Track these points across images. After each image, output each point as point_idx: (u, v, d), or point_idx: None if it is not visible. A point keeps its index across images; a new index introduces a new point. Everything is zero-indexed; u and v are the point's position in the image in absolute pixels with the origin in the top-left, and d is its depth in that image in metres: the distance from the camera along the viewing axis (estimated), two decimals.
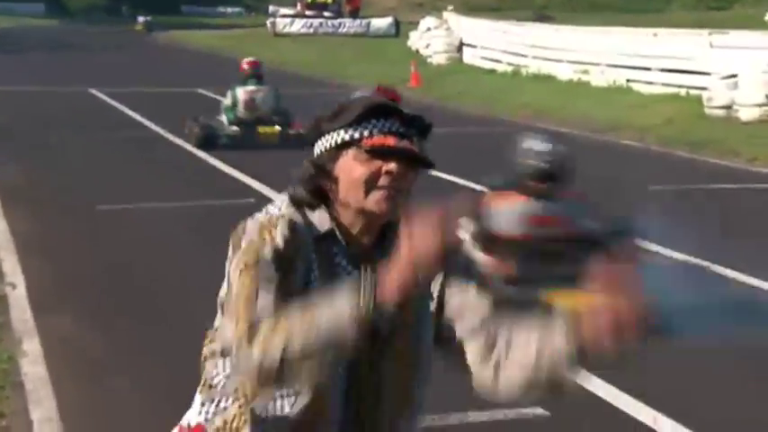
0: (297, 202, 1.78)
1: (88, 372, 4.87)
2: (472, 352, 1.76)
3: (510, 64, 20.68)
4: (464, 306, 1.80)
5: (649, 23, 23.94)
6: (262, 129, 11.56)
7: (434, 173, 4.93)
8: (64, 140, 12.06)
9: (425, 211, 1.58)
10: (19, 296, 5.94)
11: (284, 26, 36.49)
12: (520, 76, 19.65)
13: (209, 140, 11.35)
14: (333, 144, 1.78)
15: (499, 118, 15.38)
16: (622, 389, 4.41)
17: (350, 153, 1.75)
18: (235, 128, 11.58)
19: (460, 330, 1.77)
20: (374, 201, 1.73)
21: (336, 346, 1.61)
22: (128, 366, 4.92)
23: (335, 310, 1.60)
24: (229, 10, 59.73)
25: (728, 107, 13.84)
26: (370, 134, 1.76)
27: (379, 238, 1.79)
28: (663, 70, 16.29)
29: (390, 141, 1.75)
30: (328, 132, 1.79)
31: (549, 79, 18.69)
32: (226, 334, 1.73)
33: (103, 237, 7.71)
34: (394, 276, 1.57)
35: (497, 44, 21.88)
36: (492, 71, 20.91)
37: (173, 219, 8.32)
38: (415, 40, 25.40)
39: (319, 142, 1.80)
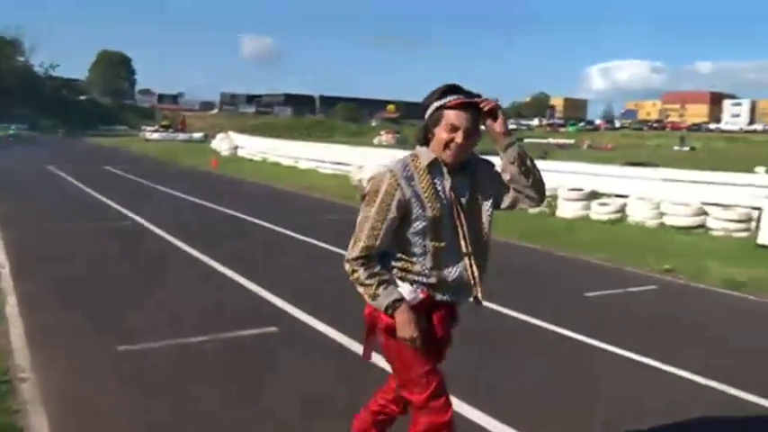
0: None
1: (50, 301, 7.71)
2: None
3: (261, 157, 38.45)
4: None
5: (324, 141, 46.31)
6: None
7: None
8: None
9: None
10: (5, 274, 9.10)
11: (149, 135, 70.01)
12: (266, 162, 36.50)
13: None
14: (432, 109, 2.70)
15: (248, 180, 27.15)
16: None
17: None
18: None
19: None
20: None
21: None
22: (65, 300, 7.76)
23: (378, 301, 2.69)
24: (122, 128, 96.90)
25: (360, 181, 23.07)
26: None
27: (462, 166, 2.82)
28: (332, 162, 30.28)
29: (461, 101, 2.70)
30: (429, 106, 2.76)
31: (278, 165, 34.48)
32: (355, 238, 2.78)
33: (47, 249, 11.35)
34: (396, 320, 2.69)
35: (254, 147, 41.53)
36: (251, 160, 38.46)
37: (80, 233, 12.70)
38: (215, 144, 47.24)
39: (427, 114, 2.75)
